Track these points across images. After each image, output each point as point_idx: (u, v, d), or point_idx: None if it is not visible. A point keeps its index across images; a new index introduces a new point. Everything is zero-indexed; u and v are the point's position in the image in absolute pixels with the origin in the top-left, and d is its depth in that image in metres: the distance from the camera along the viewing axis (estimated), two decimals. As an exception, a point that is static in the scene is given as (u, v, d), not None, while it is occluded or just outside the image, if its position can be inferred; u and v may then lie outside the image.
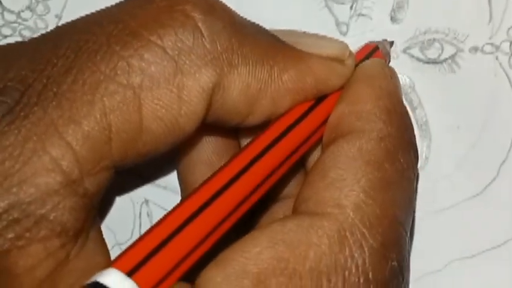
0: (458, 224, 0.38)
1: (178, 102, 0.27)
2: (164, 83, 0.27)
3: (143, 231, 0.38)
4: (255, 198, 0.28)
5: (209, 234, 0.26)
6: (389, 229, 0.27)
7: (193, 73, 0.27)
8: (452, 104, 0.38)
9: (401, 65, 0.38)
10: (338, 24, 0.38)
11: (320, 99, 0.31)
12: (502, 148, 0.38)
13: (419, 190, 0.38)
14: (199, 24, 0.28)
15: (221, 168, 0.28)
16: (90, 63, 0.26)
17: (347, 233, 0.26)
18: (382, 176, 0.28)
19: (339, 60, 0.31)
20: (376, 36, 0.38)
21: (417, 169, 0.31)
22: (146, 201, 0.38)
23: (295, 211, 0.28)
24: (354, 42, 0.37)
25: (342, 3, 0.38)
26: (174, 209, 0.26)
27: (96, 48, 0.27)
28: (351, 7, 0.38)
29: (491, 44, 0.38)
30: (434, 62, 0.38)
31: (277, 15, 0.37)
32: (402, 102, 0.31)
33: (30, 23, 0.37)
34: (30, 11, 0.37)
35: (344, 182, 0.28)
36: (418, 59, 0.38)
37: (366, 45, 0.35)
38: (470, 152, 0.38)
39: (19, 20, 0.37)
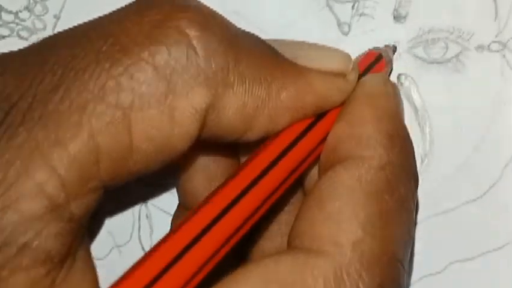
0: (459, 226, 0.38)
1: (170, 123, 0.26)
2: (155, 103, 0.26)
3: (142, 233, 0.38)
4: (252, 221, 0.27)
5: (203, 265, 0.25)
6: (388, 268, 0.27)
7: (186, 93, 0.26)
8: (456, 105, 0.37)
9: (405, 65, 0.37)
10: (339, 24, 0.37)
11: (319, 115, 0.30)
12: (506, 150, 0.37)
13: (420, 192, 0.37)
14: (194, 42, 0.27)
15: (217, 191, 0.27)
16: (78, 81, 0.25)
17: (344, 274, 0.26)
18: (381, 210, 0.27)
19: (342, 75, 0.30)
20: (379, 36, 0.37)
21: (417, 196, 0.30)
22: (146, 203, 0.38)
23: (290, 245, 0.27)
24: (356, 43, 0.36)
25: (344, 3, 0.37)
26: (165, 238, 0.25)
27: (84, 66, 0.26)
28: (352, 6, 0.37)
29: (498, 42, 0.37)
30: (438, 61, 0.37)
31: (277, 16, 0.37)
32: (404, 124, 0.30)
33: (28, 23, 0.37)
34: (28, 11, 0.37)
35: (342, 216, 0.27)
36: (422, 59, 0.37)
37: (369, 53, 0.34)
38: (473, 154, 0.37)
39: (17, 21, 0.37)
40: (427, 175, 0.37)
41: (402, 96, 0.37)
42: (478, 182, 0.37)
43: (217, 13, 0.28)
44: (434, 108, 0.37)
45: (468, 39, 0.37)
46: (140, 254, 0.37)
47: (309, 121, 0.30)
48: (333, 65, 0.30)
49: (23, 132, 0.25)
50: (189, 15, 0.27)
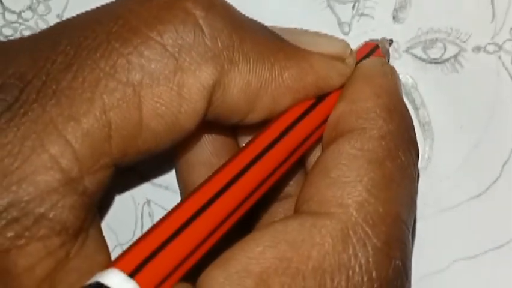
0: (460, 224, 0.38)
1: (178, 100, 0.27)
2: (164, 80, 0.27)
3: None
4: (255, 197, 0.28)
5: (210, 234, 0.26)
6: (392, 227, 0.27)
7: (194, 70, 0.27)
8: (455, 104, 0.38)
9: (404, 65, 0.38)
10: (340, 24, 0.38)
11: (320, 97, 0.31)
12: (505, 148, 0.38)
13: (421, 190, 0.37)
14: (200, 21, 0.28)
15: (221, 168, 0.27)
16: (89, 60, 0.26)
17: (350, 232, 0.26)
18: (384, 174, 0.28)
19: (341, 59, 0.31)
20: (378, 36, 0.37)
21: (418, 167, 0.31)
22: (148, 202, 0.38)
23: (298, 211, 0.28)
24: (357, 42, 0.37)
25: (344, 3, 0.37)
26: (175, 208, 0.26)
27: (96, 45, 0.27)
28: (353, 7, 0.37)
29: (494, 44, 0.38)
30: (436, 61, 0.38)
31: (279, 15, 0.37)
32: (402, 100, 0.31)
33: (31, 23, 0.37)
34: (32, 11, 0.37)
35: (346, 180, 0.27)
36: (421, 59, 0.38)
37: (366, 44, 0.35)
38: (472, 152, 0.38)
39: (20, 20, 0.37)
40: (428, 173, 0.38)
41: (403, 95, 0.37)
42: (479, 179, 0.38)
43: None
44: (434, 107, 0.38)
45: (465, 41, 0.37)
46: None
47: (310, 103, 0.31)
48: (333, 48, 0.31)
49: (37, 108, 0.25)
50: None
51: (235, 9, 0.30)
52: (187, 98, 0.27)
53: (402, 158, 0.29)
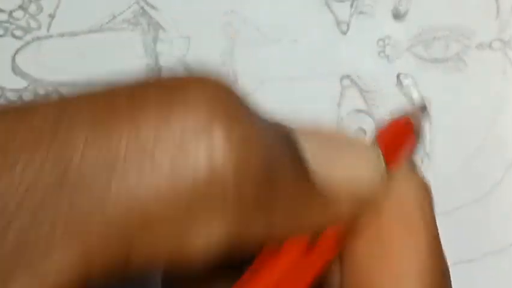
0: (461, 227, 0.37)
1: (178, 255, 0.22)
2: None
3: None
4: None
5: None
6: None
7: (205, 225, 0.22)
8: (458, 104, 0.37)
9: (405, 64, 0.37)
10: (338, 23, 0.37)
11: None
12: (509, 151, 0.37)
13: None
14: (228, 168, 0.22)
15: None
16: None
17: None
18: None
19: (369, 200, 0.25)
20: (378, 35, 0.37)
21: None
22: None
23: None
24: (355, 42, 0.36)
25: (342, 1, 0.36)
26: None
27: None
28: (351, 5, 0.36)
29: (500, 40, 0.37)
30: (439, 60, 0.37)
31: (275, 15, 0.36)
32: (441, 247, 0.27)
33: (22, 22, 0.37)
34: (23, 10, 0.37)
35: None
36: (422, 58, 0.37)
37: (395, 122, 0.28)
38: (474, 153, 0.37)
39: (11, 20, 0.37)
40: (428, 175, 0.37)
41: (403, 96, 0.37)
42: (480, 182, 0.37)
43: (259, 120, 0.23)
44: (435, 107, 0.37)
45: (469, 38, 0.37)
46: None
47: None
48: (367, 190, 0.25)
49: None
50: (229, 127, 0.22)
51: (270, 134, 0.23)
52: (186, 255, 0.22)
53: None
